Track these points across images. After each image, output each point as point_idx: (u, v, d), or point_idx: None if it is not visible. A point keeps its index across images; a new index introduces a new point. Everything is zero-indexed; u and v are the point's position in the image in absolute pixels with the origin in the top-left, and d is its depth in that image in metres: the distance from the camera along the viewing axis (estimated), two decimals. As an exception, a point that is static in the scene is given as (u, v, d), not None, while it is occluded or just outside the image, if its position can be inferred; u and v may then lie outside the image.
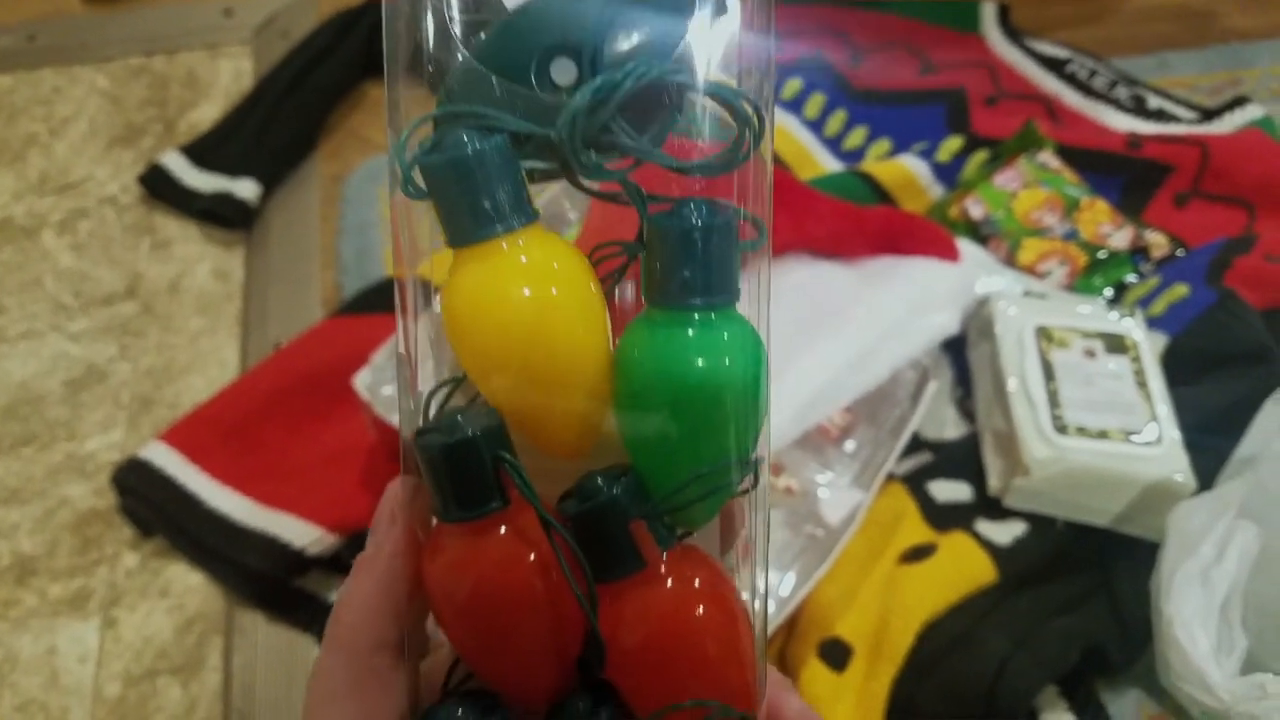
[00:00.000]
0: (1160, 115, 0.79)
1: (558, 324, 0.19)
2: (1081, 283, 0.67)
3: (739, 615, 0.21)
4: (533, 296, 0.19)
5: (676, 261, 0.19)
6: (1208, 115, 0.79)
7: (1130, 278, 0.68)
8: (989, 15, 0.87)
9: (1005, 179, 0.70)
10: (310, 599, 0.55)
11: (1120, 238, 0.68)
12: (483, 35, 0.20)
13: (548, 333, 0.19)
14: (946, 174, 0.74)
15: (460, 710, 0.21)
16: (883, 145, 0.78)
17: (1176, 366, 0.61)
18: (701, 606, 0.20)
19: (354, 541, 0.54)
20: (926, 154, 0.75)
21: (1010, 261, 0.68)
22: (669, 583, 0.20)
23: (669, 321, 0.20)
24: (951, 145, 0.76)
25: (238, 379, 0.63)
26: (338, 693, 0.22)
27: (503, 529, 0.20)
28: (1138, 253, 0.69)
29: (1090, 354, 0.59)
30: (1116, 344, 0.60)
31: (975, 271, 0.64)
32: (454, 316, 0.20)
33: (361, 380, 0.53)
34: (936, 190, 0.74)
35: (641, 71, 0.19)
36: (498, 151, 0.19)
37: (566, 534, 0.20)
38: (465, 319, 0.20)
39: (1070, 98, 0.80)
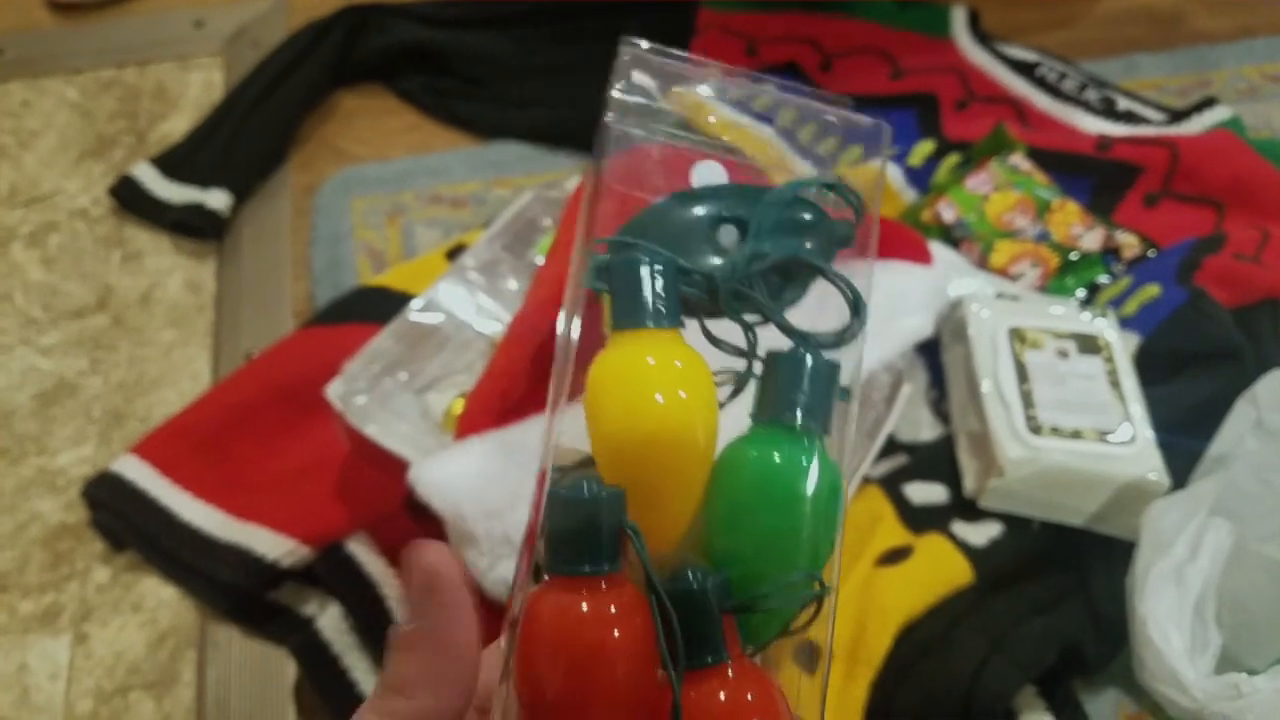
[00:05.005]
0: (1130, 117, 0.80)
1: (682, 417, 0.22)
2: (1054, 284, 0.67)
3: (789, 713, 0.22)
4: (665, 385, 0.22)
5: (790, 387, 0.23)
6: (1177, 117, 0.79)
7: (1102, 278, 0.68)
8: (959, 20, 0.87)
9: (977, 182, 0.71)
10: (284, 611, 0.54)
11: (1091, 239, 0.69)
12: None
13: (674, 422, 0.22)
14: (919, 178, 0.75)
15: None
16: (854, 152, 0.78)
17: (1149, 366, 0.62)
18: (774, 704, 0.22)
19: (327, 553, 0.54)
20: (898, 159, 0.75)
21: (983, 264, 0.68)
22: (749, 678, 0.22)
23: (774, 440, 0.23)
24: (923, 149, 0.76)
25: (209, 390, 0.62)
26: None
27: (612, 589, 0.21)
28: (1109, 254, 0.69)
29: (1063, 355, 0.60)
30: (1089, 344, 0.60)
31: (948, 274, 0.65)
32: (598, 386, 0.23)
33: (334, 390, 0.53)
34: (909, 194, 0.74)
35: (783, 251, 0.24)
36: (669, 267, 0.23)
37: (670, 606, 0.21)
38: (606, 390, 0.22)
39: (1040, 101, 0.81)
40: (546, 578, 0.21)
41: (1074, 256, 0.68)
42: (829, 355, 0.24)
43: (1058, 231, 0.69)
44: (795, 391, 0.23)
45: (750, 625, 0.23)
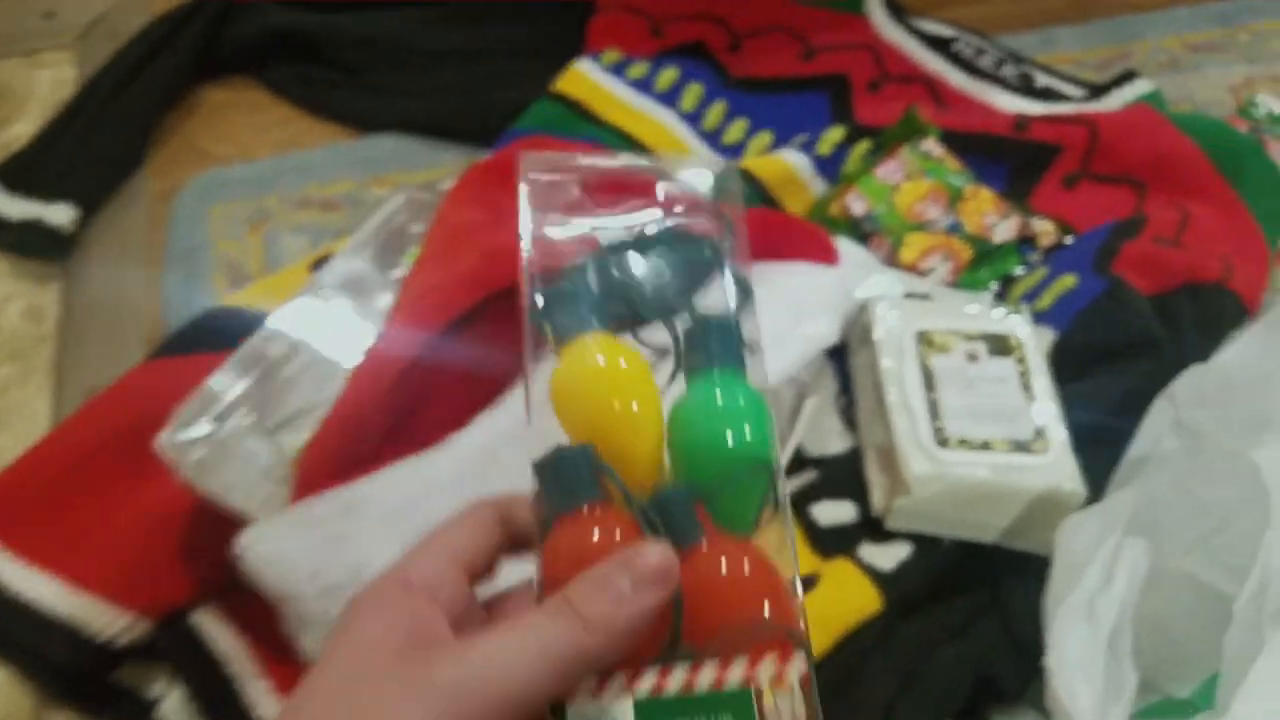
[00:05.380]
0: (1048, 94, 0.76)
1: (627, 383, 0.29)
2: (966, 278, 0.64)
3: (772, 565, 0.28)
4: (610, 372, 0.29)
5: (704, 345, 0.30)
6: (1096, 92, 0.76)
7: (1017, 270, 0.65)
8: (873, -6, 0.83)
9: (887, 171, 0.67)
10: (126, 694, 0.49)
11: (1005, 228, 0.65)
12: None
13: (622, 389, 0.29)
14: (829, 167, 0.70)
15: None
16: (764, 139, 0.74)
17: (1065, 363, 0.58)
18: (749, 558, 0.27)
19: (170, 626, 0.48)
20: (808, 147, 0.70)
21: (892, 260, 0.64)
22: (723, 544, 0.27)
23: (705, 381, 0.30)
24: (833, 136, 0.71)
25: (46, 435, 0.56)
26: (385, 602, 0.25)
27: (602, 512, 0.27)
28: (1025, 242, 0.65)
29: (973, 358, 0.56)
30: (1000, 345, 0.56)
31: (855, 274, 0.60)
32: (564, 383, 0.29)
33: (165, 439, 0.47)
34: (818, 186, 0.69)
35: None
36: (587, 290, 0.31)
37: (646, 507, 0.27)
38: (573, 385, 0.29)
39: (955, 78, 0.77)
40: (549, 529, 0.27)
41: (987, 248, 0.64)
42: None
43: (970, 221, 0.65)
44: (709, 346, 0.30)
45: (722, 513, 0.28)
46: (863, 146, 0.70)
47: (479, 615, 0.28)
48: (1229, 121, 0.74)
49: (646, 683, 0.25)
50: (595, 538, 0.26)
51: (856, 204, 0.66)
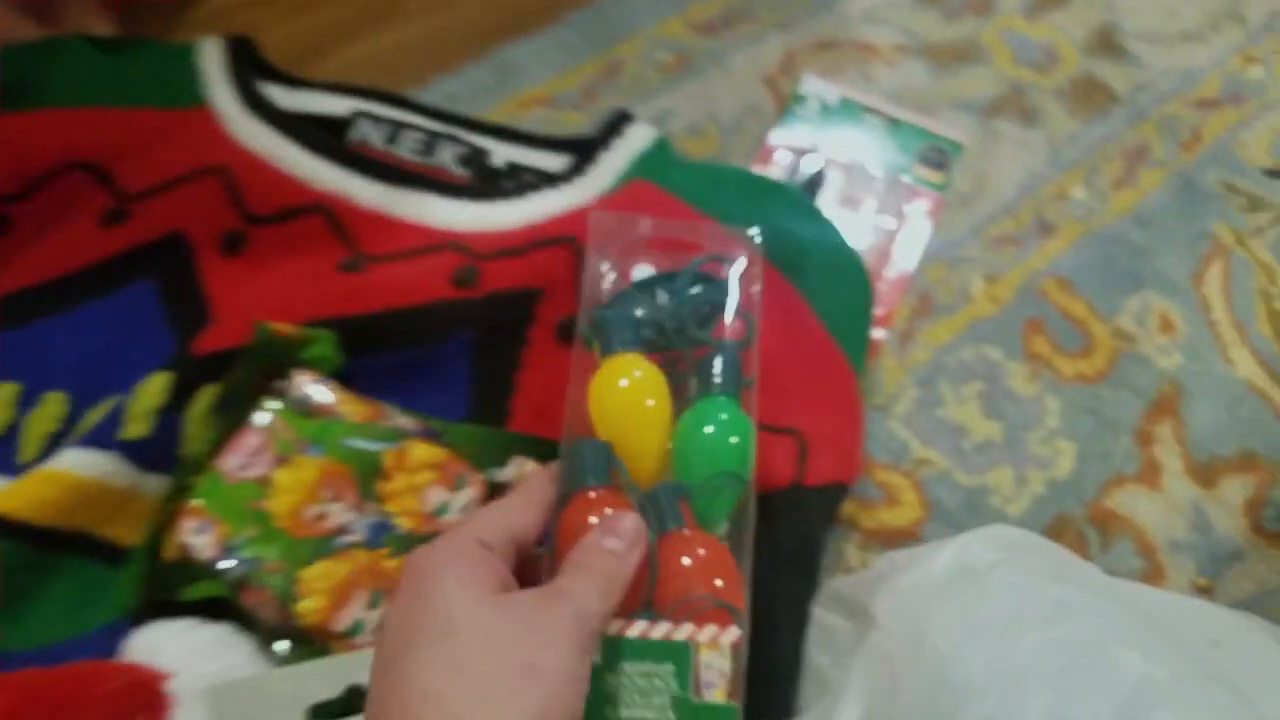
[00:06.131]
0: (514, 177, 0.50)
1: (647, 396, 0.36)
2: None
3: (730, 557, 0.34)
4: (632, 386, 0.36)
5: (712, 374, 0.37)
6: (583, 157, 0.50)
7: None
8: (212, 64, 0.51)
9: (238, 459, 0.37)
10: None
11: (463, 502, 0.39)
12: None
13: (642, 401, 0.36)
14: (160, 449, 0.40)
15: None
16: (51, 411, 0.42)
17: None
18: (713, 548, 0.33)
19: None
20: (105, 427, 0.39)
21: (289, 626, 0.36)
22: (700, 537, 0.34)
23: (708, 403, 0.36)
24: (152, 390, 0.40)
25: None
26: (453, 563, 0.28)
27: (608, 494, 0.33)
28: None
29: None
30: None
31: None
32: (599, 391, 0.36)
33: None
34: (137, 502, 0.39)
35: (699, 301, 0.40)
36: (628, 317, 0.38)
37: (642, 496, 0.34)
38: (605, 394, 0.36)
39: (364, 193, 0.47)
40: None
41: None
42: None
43: (404, 514, 0.38)
44: (716, 375, 0.37)
45: (700, 510, 0.35)
46: (204, 402, 0.40)
47: (514, 582, 0.30)
48: (759, 166, 0.53)
49: (613, 627, 0.31)
50: (597, 514, 0.32)
51: (200, 536, 0.36)
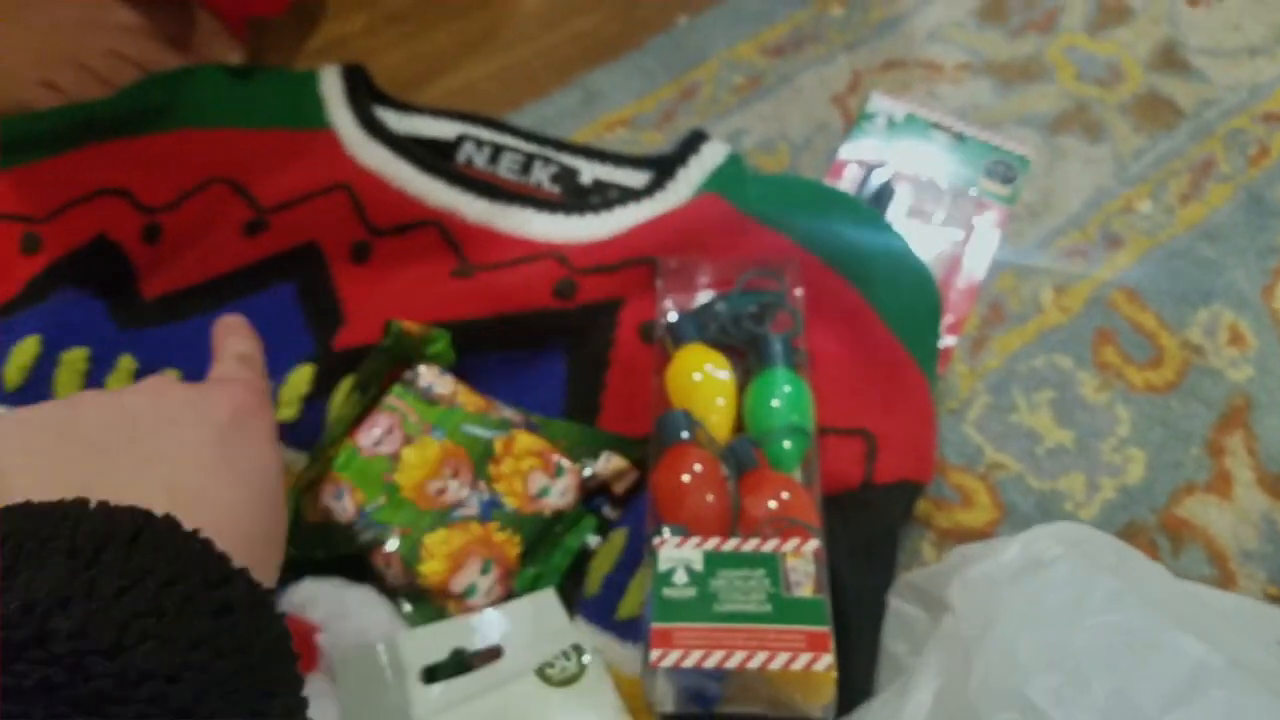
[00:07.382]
0: (600, 195, 0.55)
1: (717, 370, 0.46)
2: (521, 583, 0.43)
3: (801, 487, 0.43)
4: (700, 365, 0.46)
5: (772, 350, 0.46)
6: (663, 172, 0.55)
7: (592, 540, 0.44)
8: (333, 91, 0.57)
9: (372, 436, 0.44)
10: None
11: (561, 488, 0.44)
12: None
13: (712, 375, 0.46)
14: (306, 431, 0.46)
15: None
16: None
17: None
18: (787, 481, 0.43)
19: None
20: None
21: (412, 586, 0.42)
22: (771, 472, 0.43)
23: (770, 372, 0.46)
24: (298, 380, 0.47)
25: None
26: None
27: (691, 447, 0.43)
28: (597, 495, 0.45)
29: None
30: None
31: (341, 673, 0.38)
32: (674, 373, 0.46)
33: None
34: (288, 477, 0.45)
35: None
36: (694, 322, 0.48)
37: (722, 448, 0.43)
38: (679, 375, 0.46)
39: (471, 208, 0.53)
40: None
41: (533, 527, 0.43)
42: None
43: (510, 494, 0.43)
44: (776, 350, 0.46)
45: (772, 457, 0.44)
46: (345, 388, 0.46)
47: None
48: (829, 181, 0.56)
49: (712, 544, 0.39)
50: (688, 463, 0.42)
51: (340, 501, 0.43)
